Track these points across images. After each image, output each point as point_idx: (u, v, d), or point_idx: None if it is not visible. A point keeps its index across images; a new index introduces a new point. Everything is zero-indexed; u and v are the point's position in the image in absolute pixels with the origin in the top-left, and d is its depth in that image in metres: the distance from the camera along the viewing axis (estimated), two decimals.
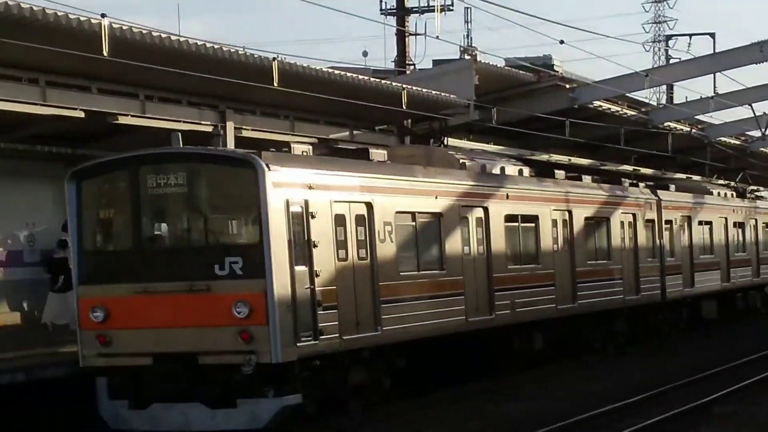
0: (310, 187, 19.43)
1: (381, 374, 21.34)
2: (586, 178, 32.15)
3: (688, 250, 37.13)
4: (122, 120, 23.84)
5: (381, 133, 32.34)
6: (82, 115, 22.97)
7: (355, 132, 30.94)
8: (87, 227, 19.51)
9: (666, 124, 46.39)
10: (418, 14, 45.75)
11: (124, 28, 21.12)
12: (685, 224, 37.31)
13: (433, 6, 45.27)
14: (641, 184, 35.95)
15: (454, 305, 23.39)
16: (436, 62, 41.21)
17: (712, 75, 41.44)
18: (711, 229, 39.59)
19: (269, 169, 18.41)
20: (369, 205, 20.92)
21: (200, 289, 18.46)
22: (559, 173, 30.92)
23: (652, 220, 34.53)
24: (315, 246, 19.15)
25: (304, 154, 20.74)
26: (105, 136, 26.53)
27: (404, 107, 29.57)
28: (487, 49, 46.59)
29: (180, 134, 19.75)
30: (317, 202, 19.43)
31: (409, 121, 32.96)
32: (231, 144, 26.14)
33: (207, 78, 23.01)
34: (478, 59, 33.12)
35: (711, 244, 39.35)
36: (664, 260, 34.93)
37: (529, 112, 37.13)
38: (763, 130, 47.40)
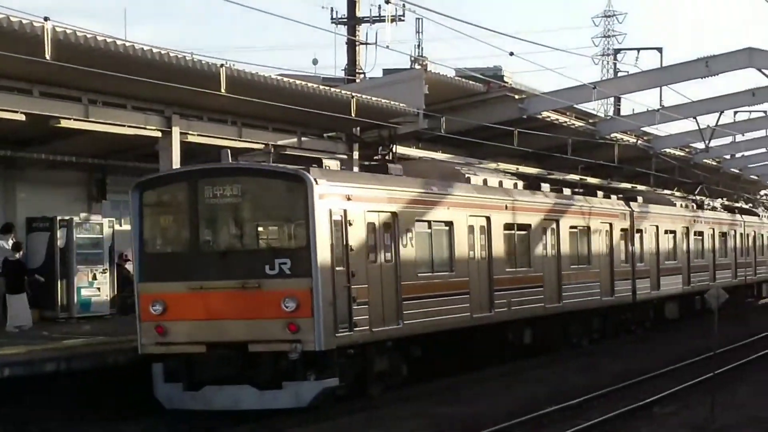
0: (348, 199, 22.05)
1: (400, 362, 24.00)
2: (566, 191, 34.72)
3: (655, 256, 39.82)
4: (65, 123, 23.77)
5: (330, 141, 32.16)
6: (22, 117, 22.76)
7: (303, 139, 30.77)
8: (148, 232, 21.87)
9: (613, 135, 46.71)
10: (369, 24, 45.68)
11: (68, 31, 20.91)
12: (653, 233, 39.95)
13: (384, 16, 45.19)
14: (613, 196, 38.27)
15: (461, 303, 26.17)
16: (386, 71, 41.16)
17: (658, 88, 41.70)
18: (674, 238, 42.36)
19: (316, 183, 20.92)
20: (394, 215, 23.67)
21: (252, 286, 20.75)
22: (545, 186, 33.48)
23: (626, 229, 37.29)
24: (351, 250, 21.77)
25: (328, 168, 23.15)
26: (48, 140, 26.28)
27: (353, 115, 29.49)
28: (438, 60, 46.68)
29: (229, 151, 22.31)
30: (353, 212, 22.07)
31: (358, 129, 32.83)
32: (176, 150, 25.97)
33: (153, 83, 22.82)
34: (429, 69, 33.10)
35: (674, 251, 42.14)
36: (635, 265, 37.76)
37: (477, 122, 37.19)
38: (706, 142, 47.83)
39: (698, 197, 50.08)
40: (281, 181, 21.44)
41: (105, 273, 29.16)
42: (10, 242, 26.64)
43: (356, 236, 22.03)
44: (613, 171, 53.05)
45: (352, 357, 21.93)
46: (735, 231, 51.60)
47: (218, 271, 20.99)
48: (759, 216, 60.12)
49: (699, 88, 71.58)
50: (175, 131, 26.12)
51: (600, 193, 37.11)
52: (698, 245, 45.28)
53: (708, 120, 46.64)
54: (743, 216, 54.81)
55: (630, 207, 38.16)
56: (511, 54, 30.33)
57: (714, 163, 62.55)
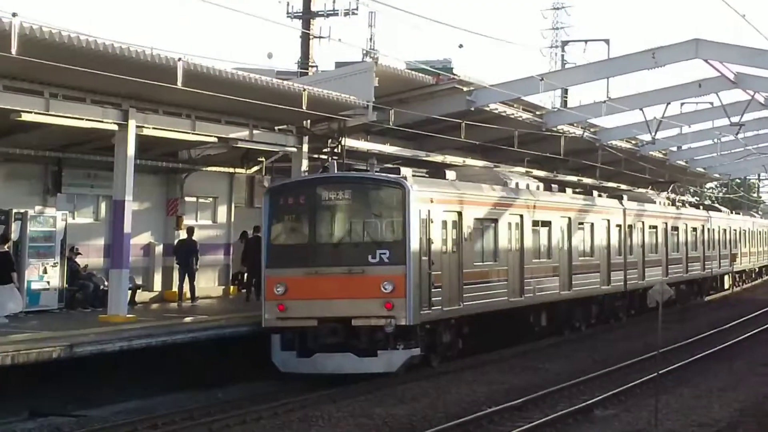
0: (431, 201, 27.01)
1: (457, 337, 28.63)
2: (568, 190, 39.36)
3: (641, 249, 44.30)
4: (26, 117, 24.04)
5: (281, 133, 32.58)
6: None
7: (255, 132, 31.18)
8: (275, 228, 26.55)
9: (559, 127, 47.14)
10: (323, 17, 46.04)
11: (35, 27, 21.26)
12: (640, 228, 44.53)
13: (339, 10, 45.59)
14: (603, 195, 42.73)
15: (502, 288, 30.91)
16: (339, 65, 41.56)
17: (605, 80, 42.09)
18: (656, 233, 46.90)
19: (412, 189, 26.06)
20: (460, 214, 28.54)
21: (357, 272, 25.51)
22: (554, 187, 38.02)
23: (620, 225, 41.88)
24: (432, 243, 26.54)
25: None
26: (7, 133, 26.66)
27: (304, 108, 29.90)
28: (392, 53, 47.11)
29: (336, 162, 28.30)
30: (434, 212, 26.98)
31: (309, 121, 33.26)
32: (132, 143, 26.44)
33: (112, 77, 23.20)
34: (380, 62, 33.47)
35: (656, 244, 46.74)
36: (627, 257, 42.11)
37: (425, 114, 37.60)
38: (653, 134, 48.38)
39: (671, 195, 54.24)
40: (384, 187, 26.58)
41: (55, 267, 29.07)
42: None
43: (435, 232, 26.95)
44: (559, 163, 53.70)
45: (428, 331, 26.69)
46: (704, 227, 55.99)
47: (330, 260, 25.80)
48: (723, 212, 65.79)
49: (647, 81, 72.39)
50: (131, 124, 26.45)
51: (595, 193, 41.45)
52: (673, 239, 49.60)
53: (655, 112, 47.26)
54: (710, 212, 59.89)
55: (622, 205, 42.78)
56: (461, 46, 30.92)
57: (661, 155, 63.28)
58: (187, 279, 33.07)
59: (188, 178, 33.95)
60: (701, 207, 60.58)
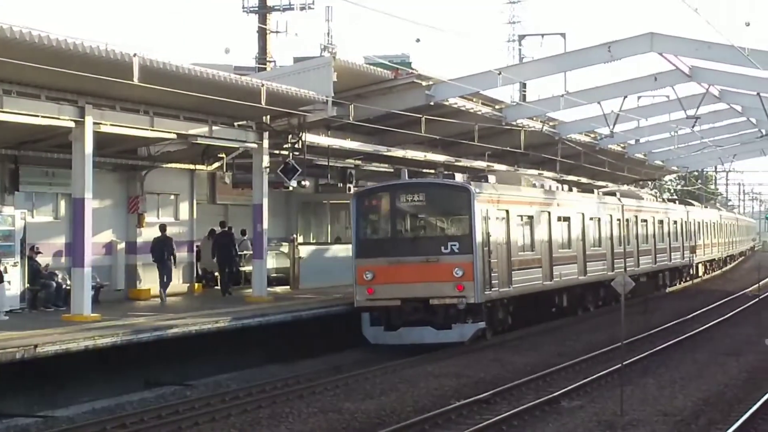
0: (489, 201, 32.10)
1: (507, 314, 33.49)
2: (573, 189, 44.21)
3: (636, 240, 48.96)
4: None
5: (241, 129, 32.45)
6: None
7: (214, 128, 31.03)
8: (362, 225, 31.59)
9: (519, 121, 47.27)
10: (279, 12, 45.92)
11: None
12: (634, 221, 49.07)
13: (294, 5, 45.46)
14: (595, 191, 47.48)
15: (538, 274, 35.77)
16: (297, 60, 41.44)
17: (563, 74, 42.20)
18: (646, 225, 51.44)
19: (476, 191, 31.23)
20: (507, 212, 33.53)
21: (433, 260, 30.49)
22: (565, 187, 42.96)
23: (620, 219, 46.45)
24: (490, 236, 31.62)
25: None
26: None
27: (263, 104, 29.79)
28: (351, 48, 47.06)
29: (407, 170, 33.41)
30: (491, 210, 32.16)
31: (268, 117, 33.14)
32: (89, 140, 26.22)
33: (67, 73, 23.00)
34: (338, 57, 33.39)
35: (647, 236, 51.29)
36: (626, 247, 46.64)
37: (385, 109, 37.58)
38: (611, 127, 48.62)
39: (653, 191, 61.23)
40: (453, 190, 31.61)
41: (16, 266, 28.79)
42: None
43: (492, 227, 31.93)
44: (519, 157, 53.84)
45: (488, 309, 31.56)
46: (682, 219, 60.71)
47: (409, 251, 30.71)
48: (696, 205, 72.10)
49: (608, 75, 72.75)
50: (88, 121, 26.27)
51: (597, 191, 46.75)
52: (661, 231, 54.55)
53: (613, 106, 47.50)
54: (687, 207, 65.25)
55: (621, 201, 47.52)
56: (418, 41, 30.93)
57: (619, 149, 63.61)
58: (164, 277, 33.30)
59: (148, 175, 33.74)
60: (677, 202, 65.88)
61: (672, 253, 56.50)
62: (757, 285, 46.62)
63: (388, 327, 30.80)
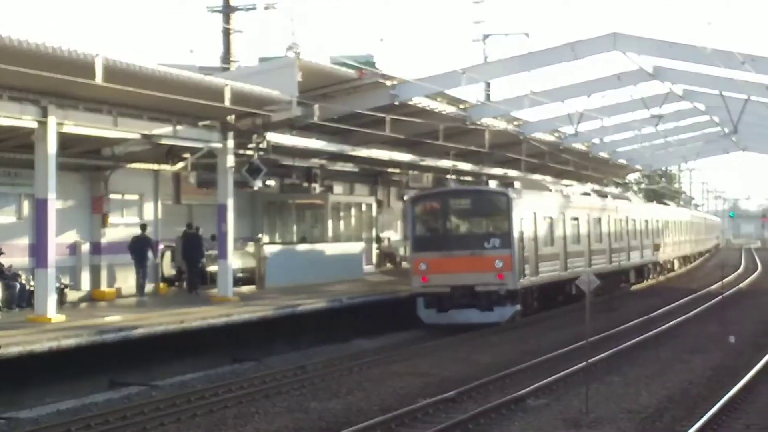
0: (522, 205, 37.36)
1: (533, 299, 38.84)
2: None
3: (627, 236, 54.07)
4: None
5: (205, 129, 32.36)
6: None
7: (178, 128, 30.93)
8: (417, 225, 37.01)
9: (483, 120, 47.38)
10: (244, 11, 45.78)
11: None
12: (626, 220, 54.37)
13: (255, 4, 45.32)
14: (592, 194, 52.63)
15: (556, 266, 41.20)
16: (262, 59, 41.35)
17: (527, 73, 42.31)
18: (635, 224, 56.61)
19: (513, 197, 36.80)
20: (534, 213, 38.97)
21: (477, 254, 35.78)
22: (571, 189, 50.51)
23: (617, 219, 51.88)
24: (523, 234, 37.02)
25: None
26: None
27: (227, 103, 29.72)
28: (316, 48, 47.06)
29: (453, 177, 41.22)
30: (524, 212, 37.65)
31: (233, 117, 33.07)
32: (53, 140, 26.07)
33: (29, 73, 22.87)
34: (302, 57, 33.33)
35: (636, 233, 56.57)
36: (619, 243, 52.15)
37: (350, 109, 37.58)
38: (575, 126, 48.83)
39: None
40: (495, 195, 37.18)
41: None
42: None
43: (524, 226, 37.39)
44: (484, 156, 53.98)
45: (521, 294, 36.74)
46: (660, 219, 65.46)
47: (458, 246, 36.01)
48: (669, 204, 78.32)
49: (570, 75, 73.13)
50: (51, 121, 26.12)
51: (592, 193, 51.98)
52: (646, 229, 59.59)
53: (577, 105, 47.71)
54: (666, 207, 71.91)
55: (616, 203, 53.42)
56: (381, 40, 30.90)
57: (584, 148, 63.86)
58: (140, 274, 33.94)
59: (112, 175, 33.63)
60: (654, 201, 72.68)
61: (645, 250, 60.14)
62: (720, 283, 46.83)
63: (440, 309, 35.85)
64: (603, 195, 53.97)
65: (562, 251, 42.05)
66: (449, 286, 35.53)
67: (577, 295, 41.38)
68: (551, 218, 41.11)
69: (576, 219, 44.56)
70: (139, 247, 33.80)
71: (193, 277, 36.05)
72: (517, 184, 40.29)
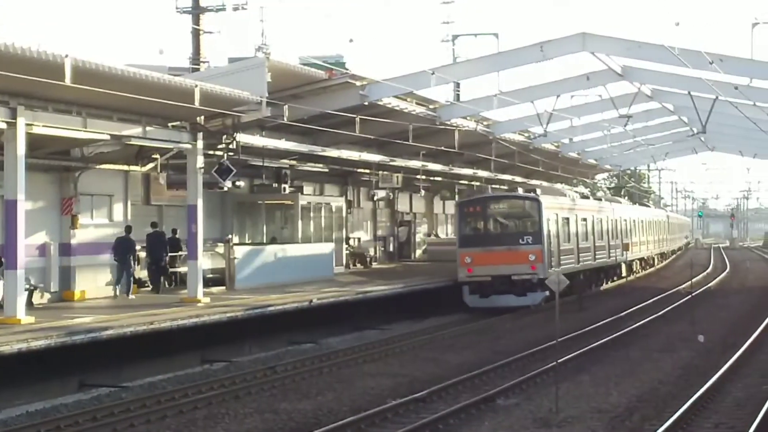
0: (549, 208, 43.90)
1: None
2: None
3: (621, 234, 59.46)
4: None
5: (175, 130, 32.30)
6: None
7: (148, 129, 30.86)
8: (463, 225, 43.32)
9: (453, 120, 47.48)
10: (213, 12, 45.73)
11: None
12: (621, 220, 59.92)
13: (225, 5, 45.32)
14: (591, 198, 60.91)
15: (572, 258, 47.35)
16: (231, 60, 41.33)
17: (496, 73, 42.46)
18: (627, 223, 61.94)
19: (543, 202, 43.20)
20: (557, 214, 45.29)
21: (514, 249, 42.08)
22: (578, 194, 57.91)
23: (613, 219, 57.25)
24: (550, 231, 43.48)
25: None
26: None
27: (197, 104, 29.69)
28: (286, 49, 46.97)
29: (490, 187, 51.73)
30: (550, 214, 44.03)
31: (202, 118, 33.03)
32: (22, 141, 25.96)
33: None
34: (272, 57, 33.32)
35: (629, 232, 62.25)
36: (615, 241, 57.40)
37: (320, 109, 37.60)
38: (544, 127, 48.97)
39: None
40: (529, 200, 43.70)
41: None
42: None
43: (550, 225, 43.86)
44: (454, 156, 54.08)
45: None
46: (647, 219, 72.14)
47: (497, 242, 42.47)
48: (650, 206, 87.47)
49: (539, 75, 73.44)
50: (20, 122, 25.97)
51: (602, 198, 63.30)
52: (637, 228, 65.97)
53: (547, 105, 47.86)
54: (650, 209, 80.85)
55: (612, 205, 59.10)
56: (351, 41, 30.89)
57: (553, 148, 64.08)
58: (125, 275, 34.12)
59: (82, 176, 33.47)
60: (637, 203, 78.50)
61: (641, 247, 68.43)
62: (689, 282, 47.07)
63: (482, 295, 41.96)
64: (598, 198, 62.96)
65: (575, 247, 48.27)
66: (490, 275, 41.74)
67: (587, 283, 50.80)
68: (567, 219, 47.29)
69: (585, 219, 50.72)
70: (123, 249, 33.87)
71: (155, 275, 36.04)
72: (538, 191, 46.42)
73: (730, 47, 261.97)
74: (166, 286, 36.27)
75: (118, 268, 34.43)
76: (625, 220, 61.74)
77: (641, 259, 67.37)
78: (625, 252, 59.30)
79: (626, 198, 76.95)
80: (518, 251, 42.06)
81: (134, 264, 34.45)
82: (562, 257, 45.20)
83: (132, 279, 34.38)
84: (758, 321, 36.99)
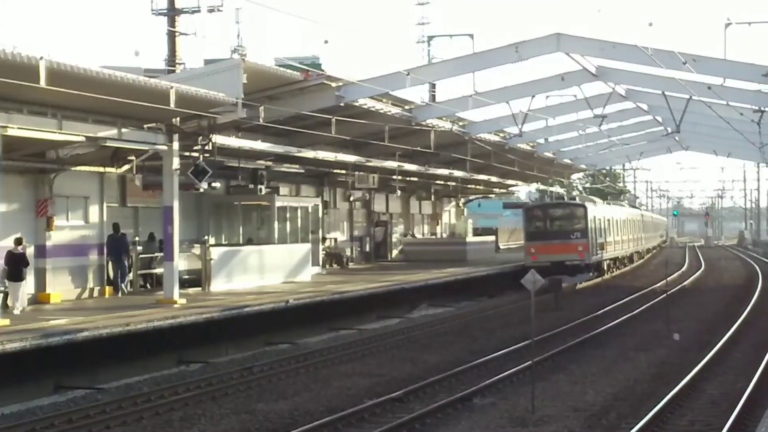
0: (592, 211, 56.14)
1: (594, 270, 57.96)
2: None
3: (640, 233, 79.95)
4: None
5: (150, 132, 32.25)
6: None
7: (123, 130, 30.80)
8: (529, 224, 55.38)
9: (429, 121, 47.54)
10: (189, 14, 45.68)
11: None
12: (631, 221, 76.41)
13: (200, 7, 45.31)
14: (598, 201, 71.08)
15: (608, 250, 61.14)
16: (207, 62, 41.30)
17: (472, 74, 42.52)
18: (633, 224, 78.06)
19: (589, 208, 56.13)
20: (594, 217, 56.06)
21: (566, 242, 53.96)
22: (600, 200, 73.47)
23: (635, 220, 77.48)
24: (592, 229, 55.34)
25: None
26: None
27: (172, 105, 29.64)
28: (261, 50, 47.01)
29: (547, 197, 66.87)
30: (591, 216, 55.62)
31: (178, 119, 32.98)
32: None
33: None
34: (247, 59, 33.32)
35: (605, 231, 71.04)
36: (636, 236, 77.22)
37: (296, 110, 37.59)
38: (520, 127, 49.07)
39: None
40: (578, 206, 56.19)
41: None
42: None
43: (595, 225, 56.12)
44: (430, 157, 54.15)
45: (592, 267, 56.66)
46: (621, 218, 76.88)
47: (555, 237, 54.21)
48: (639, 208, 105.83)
49: (518, 76, 73.72)
50: None
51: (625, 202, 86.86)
52: (611, 227, 73.26)
53: (522, 105, 47.94)
54: (645, 211, 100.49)
55: (626, 208, 79.31)
56: (326, 42, 30.92)
57: (528, 148, 64.21)
58: (119, 273, 34.99)
59: (57, 178, 33.37)
60: (607, 200, 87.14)
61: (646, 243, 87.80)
62: (665, 281, 47.28)
63: (543, 275, 50.36)
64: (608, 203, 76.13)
65: (604, 241, 60.31)
66: (549, 261, 52.00)
67: (610, 269, 64.87)
68: (601, 220, 59.30)
69: (608, 220, 62.81)
70: (116, 247, 34.61)
71: (115, 278, 36.05)
72: (578, 198, 61.67)
73: (704, 47, 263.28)
74: (126, 290, 35.95)
75: (113, 267, 34.93)
76: (599, 220, 63.62)
77: (615, 259, 67.83)
78: (600, 251, 59.84)
79: (607, 200, 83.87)
80: (570, 244, 54.24)
81: (127, 261, 34.64)
82: (600, 249, 58.72)
83: (126, 275, 35.04)
84: (733, 319, 37.26)
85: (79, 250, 34.43)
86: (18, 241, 29.86)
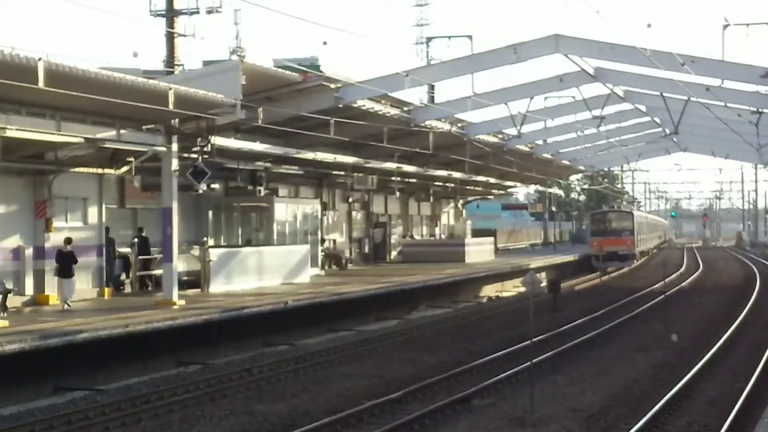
0: (635, 215, 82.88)
1: (637, 258, 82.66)
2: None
3: (654, 232, 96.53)
4: None
5: (149, 133, 32.26)
6: None
7: (122, 132, 30.81)
8: (594, 225, 79.36)
9: (427, 122, 47.57)
10: (187, 15, 45.72)
11: None
12: (644, 221, 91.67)
13: (199, 8, 45.36)
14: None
15: (640, 243, 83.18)
16: (206, 63, 41.32)
17: (471, 76, 42.54)
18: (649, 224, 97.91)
19: (634, 213, 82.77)
20: (635, 219, 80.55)
21: (619, 237, 76.82)
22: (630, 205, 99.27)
23: (654, 221, 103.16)
24: (635, 229, 79.21)
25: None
26: None
27: (171, 107, 29.65)
28: (261, 51, 47.01)
29: (605, 206, 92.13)
30: (636, 219, 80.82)
31: (177, 120, 32.98)
32: None
33: None
34: (246, 60, 33.30)
35: (654, 230, 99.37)
36: (650, 235, 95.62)
37: (294, 112, 37.60)
38: (518, 128, 49.11)
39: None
40: (625, 212, 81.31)
41: None
42: None
43: (636, 225, 79.28)
44: (429, 158, 54.18)
45: (636, 255, 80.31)
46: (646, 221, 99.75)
47: (611, 233, 76.74)
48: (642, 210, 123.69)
49: (516, 77, 74.06)
50: None
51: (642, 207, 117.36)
52: (649, 228, 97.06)
53: (520, 107, 47.99)
54: (649, 214, 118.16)
55: (643, 211, 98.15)
56: (325, 43, 30.91)
57: (527, 149, 64.24)
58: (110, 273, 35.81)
59: (56, 179, 33.39)
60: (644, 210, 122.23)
61: (648, 242, 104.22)
62: (663, 282, 47.38)
63: (603, 262, 73.50)
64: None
65: (640, 237, 79.84)
66: (606, 251, 73.67)
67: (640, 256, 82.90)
68: (638, 223, 78.74)
69: (641, 223, 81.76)
70: (106, 250, 35.56)
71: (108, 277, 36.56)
72: (623, 206, 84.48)
73: (702, 49, 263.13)
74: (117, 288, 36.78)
75: (107, 268, 35.67)
76: (638, 223, 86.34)
77: (642, 252, 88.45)
78: (638, 245, 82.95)
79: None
80: (621, 239, 75.26)
81: (114, 260, 35.45)
82: (638, 244, 78.56)
83: (114, 275, 35.89)
84: (731, 320, 37.29)
85: (78, 252, 34.43)
86: (68, 241, 31.84)
